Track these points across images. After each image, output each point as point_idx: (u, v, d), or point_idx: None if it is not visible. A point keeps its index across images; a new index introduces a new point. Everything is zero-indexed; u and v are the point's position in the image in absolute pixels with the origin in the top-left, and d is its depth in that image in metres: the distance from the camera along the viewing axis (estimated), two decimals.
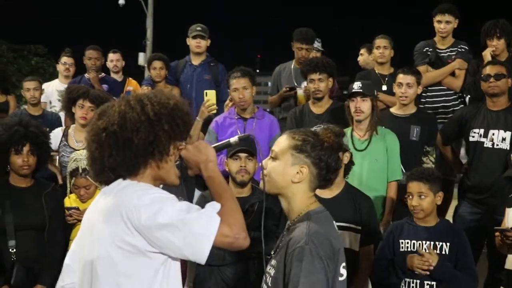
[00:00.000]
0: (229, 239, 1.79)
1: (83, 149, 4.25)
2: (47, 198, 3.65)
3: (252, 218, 3.40)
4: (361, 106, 4.04)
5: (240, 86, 4.35)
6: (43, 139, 3.74)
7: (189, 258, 1.80)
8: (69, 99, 4.60)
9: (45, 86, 6.39)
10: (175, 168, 1.96)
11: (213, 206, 1.83)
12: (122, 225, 1.80)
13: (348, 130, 4.01)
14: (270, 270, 2.11)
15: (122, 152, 1.87)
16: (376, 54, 5.43)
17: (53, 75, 13.08)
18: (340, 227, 3.33)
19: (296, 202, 2.15)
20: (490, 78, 4.27)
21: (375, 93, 4.31)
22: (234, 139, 2.10)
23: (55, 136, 4.62)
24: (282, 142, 2.16)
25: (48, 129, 4.39)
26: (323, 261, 1.97)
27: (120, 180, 1.93)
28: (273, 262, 2.13)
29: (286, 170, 2.13)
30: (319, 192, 3.50)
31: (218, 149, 2.02)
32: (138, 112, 1.87)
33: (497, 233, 3.46)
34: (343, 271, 2.07)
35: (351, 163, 3.44)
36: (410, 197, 3.38)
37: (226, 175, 4.01)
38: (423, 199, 3.36)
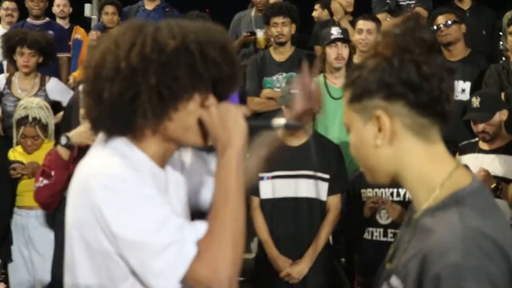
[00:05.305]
0: (203, 285, 1.26)
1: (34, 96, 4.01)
2: None
3: None
4: (343, 53, 3.91)
5: None
6: None
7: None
8: (8, 48, 4.28)
9: None
10: (195, 126, 1.35)
11: (196, 231, 1.27)
12: (90, 216, 1.29)
13: (320, 78, 3.86)
14: None
15: (95, 107, 1.33)
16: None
17: None
18: (307, 176, 3.25)
19: (414, 178, 1.18)
20: (441, 27, 4.20)
21: None
22: (279, 122, 1.44)
23: None
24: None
25: None
26: None
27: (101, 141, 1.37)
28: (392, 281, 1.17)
29: (361, 137, 1.20)
30: (286, 140, 3.40)
31: (253, 128, 1.42)
32: (121, 55, 1.28)
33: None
34: None
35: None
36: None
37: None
38: None
